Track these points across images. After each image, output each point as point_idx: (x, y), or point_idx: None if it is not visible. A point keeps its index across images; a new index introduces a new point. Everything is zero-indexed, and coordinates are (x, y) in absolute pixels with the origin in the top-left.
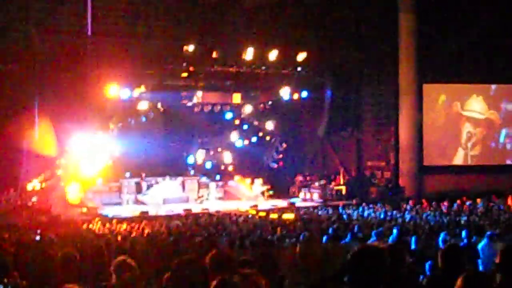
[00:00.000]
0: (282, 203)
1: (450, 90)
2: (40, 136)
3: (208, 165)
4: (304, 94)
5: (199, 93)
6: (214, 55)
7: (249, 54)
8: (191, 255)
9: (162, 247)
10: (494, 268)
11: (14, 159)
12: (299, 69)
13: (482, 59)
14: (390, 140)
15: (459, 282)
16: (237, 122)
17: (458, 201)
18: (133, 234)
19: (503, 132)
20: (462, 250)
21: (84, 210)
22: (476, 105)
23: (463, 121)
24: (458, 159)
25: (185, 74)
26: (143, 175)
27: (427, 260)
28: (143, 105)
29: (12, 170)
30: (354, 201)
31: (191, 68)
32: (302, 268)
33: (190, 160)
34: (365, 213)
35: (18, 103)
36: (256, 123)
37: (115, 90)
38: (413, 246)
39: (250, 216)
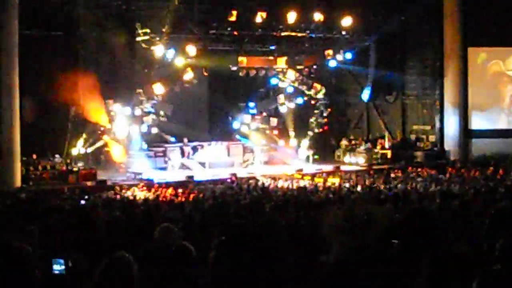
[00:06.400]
0: (327, 167)
1: (493, 51)
2: (87, 102)
3: (254, 129)
4: (349, 56)
5: (244, 58)
6: (258, 19)
7: (292, 17)
8: (239, 220)
9: (209, 212)
10: None
11: (60, 125)
12: (343, 32)
13: None
14: (435, 103)
15: (497, 245)
16: (282, 86)
17: (503, 164)
18: (179, 199)
19: None
20: (506, 214)
21: (130, 174)
22: None
23: (505, 82)
24: (503, 124)
25: (229, 39)
26: (185, 140)
27: (471, 225)
28: (188, 71)
29: (58, 136)
30: (399, 165)
31: (235, 33)
32: (346, 231)
33: (236, 124)
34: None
35: (63, 69)
36: (300, 87)
37: (161, 51)
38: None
39: (295, 180)
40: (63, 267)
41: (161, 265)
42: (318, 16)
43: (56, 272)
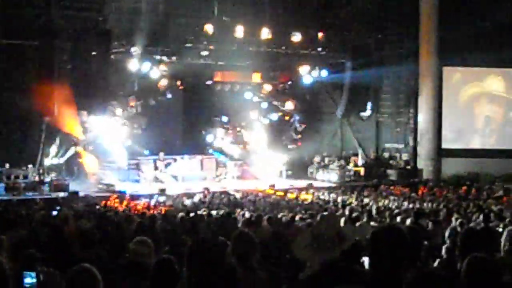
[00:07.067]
0: (300, 183)
1: (468, 71)
2: (61, 112)
3: (227, 144)
4: (324, 73)
5: (219, 72)
6: (234, 34)
7: (268, 33)
8: (210, 234)
9: (180, 225)
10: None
11: (34, 135)
12: (319, 49)
13: (505, 42)
14: (409, 122)
15: (464, 265)
16: (256, 101)
17: (476, 185)
18: (151, 212)
19: None
20: (479, 234)
21: (102, 186)
22: (495, 85)
23: (480, 103)
24: (476, 144)
25: (205, 53)
26: (161, 153)
27: (443, 244)
28: (163, 84)
29: (31, 146)
30: (372, 183)
31: (211, 47)
32: (315, 248)
33: (209, 138)
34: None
35: (37, 79)
36: (275, 103)
37: (136, 65)
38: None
39: (268, 195)
40: (34, 280)
41: (145, 278)
42: (294, 33)
43: (27, 285)
